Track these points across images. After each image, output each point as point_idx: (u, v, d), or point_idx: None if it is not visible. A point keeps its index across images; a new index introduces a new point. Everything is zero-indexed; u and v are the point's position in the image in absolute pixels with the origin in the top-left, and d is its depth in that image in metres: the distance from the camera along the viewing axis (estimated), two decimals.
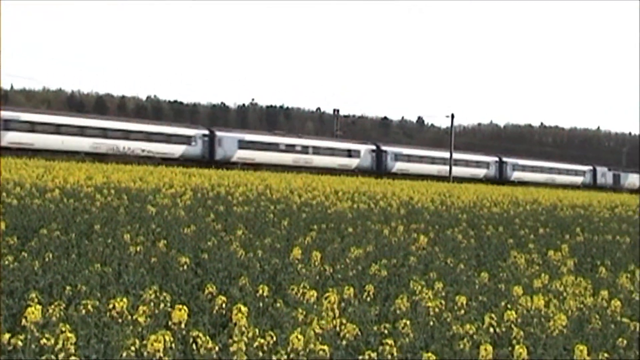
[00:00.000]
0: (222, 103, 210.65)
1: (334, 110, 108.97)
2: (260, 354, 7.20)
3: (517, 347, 7.64)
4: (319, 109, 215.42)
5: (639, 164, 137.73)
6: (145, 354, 6.71)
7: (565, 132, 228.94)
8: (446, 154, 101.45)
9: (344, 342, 8.10)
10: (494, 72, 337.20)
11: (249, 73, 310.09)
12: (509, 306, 9.96)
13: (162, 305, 8.73)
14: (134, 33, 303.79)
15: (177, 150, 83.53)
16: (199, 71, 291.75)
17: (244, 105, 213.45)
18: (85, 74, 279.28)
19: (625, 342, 8.99)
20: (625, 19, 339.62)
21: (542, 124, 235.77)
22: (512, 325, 8.82)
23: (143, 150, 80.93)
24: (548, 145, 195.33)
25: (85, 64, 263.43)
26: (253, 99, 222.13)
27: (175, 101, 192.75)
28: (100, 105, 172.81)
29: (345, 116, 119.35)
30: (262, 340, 7.22)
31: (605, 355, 7.60)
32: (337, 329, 8.22)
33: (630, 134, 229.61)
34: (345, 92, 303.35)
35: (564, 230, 23.29)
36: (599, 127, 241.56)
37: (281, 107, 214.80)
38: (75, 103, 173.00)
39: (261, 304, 9.98)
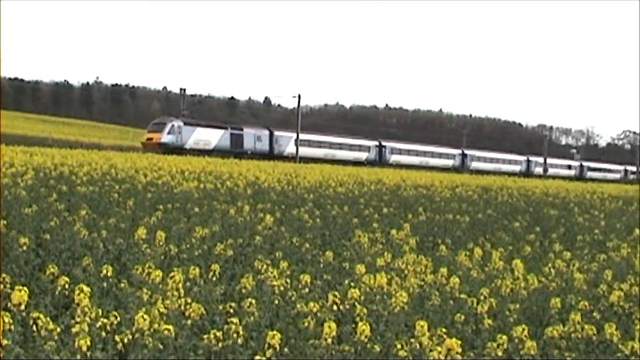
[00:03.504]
0: (65, 81, 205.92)
1: (181, 89, 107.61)
2: (104, 334, 7.13)
3: (360, 324, 7.80)
4: (165, 88, 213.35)
5: (480, 145, 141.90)
6: None
7: (409, 113, 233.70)
8: None
9: (189, 322, 8.10)
10: (339, 52, 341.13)
11: (93, 49, 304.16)
12: (352, 284, 10.14)
13: (1, 286, 8.52)
14: None
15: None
16: (41, 47, 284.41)
17: (88, 83, 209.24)
18: None
19: (463, 317, 9.29)
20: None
21: (387, 105, 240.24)
22: (356, 303, 8.98)
23: None
24: (392, 127, 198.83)
25: None
26: (98, 77, 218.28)
27: (16, 78, 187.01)
28: None
29: (192, 95, 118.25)
30: (105, 321, 7.15)
31: (444, 330, 7.82)
32: (182, 308, 8.21)
33: (470, 115, 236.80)
34: (191, 71, 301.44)
35: (406, 210, 23.77)
36: (441, 109, 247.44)
37: (127, 85, 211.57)
38: None
39: (105, 285, 9.86)
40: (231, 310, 8.78)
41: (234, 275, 12.21)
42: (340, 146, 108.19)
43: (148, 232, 13.25)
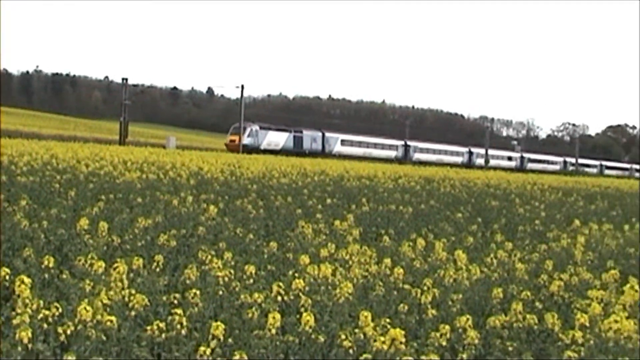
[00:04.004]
0: (4, 70, 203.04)
1: (123, 79, 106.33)
2: (46, 325, 7.05)
3: (304, 314, 7.81)
4: (107, 77, 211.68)
5: (421, 136, 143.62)
6: None
7: (352, 104, 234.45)
8: None
9: (133, 313, 8.04)
10: (283, 43, 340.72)
11: (33, 38, 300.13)
12: (296, 275, 10.13)
13: None
14: None
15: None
16: None
17: (27, 72, 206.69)
18: None
19: (406, 307, 9.35)
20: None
21: (330, 96, 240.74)
22: (300, 294, 8.99)
23: None
24: (336, 117, 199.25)
25: None
26: (37, 66, 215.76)
27: None
28: None
29: (134, 85, 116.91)
30: (47, 312, 7.07)
31: (388, 320, 7.85)
32: (126, 299, 8.14)
33: (413, 107, 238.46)
34: (133, 60, 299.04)
35: (350, 201, 23.82)
36: (384, 101, 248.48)
37: (67, 75, 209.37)
38: None
39: (46, 276, 9.75)
40: (175, 301, 8.74)
41: (177, 266, 12.16)
42: (375, 145, 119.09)
43: (90, 222, 13.12)
